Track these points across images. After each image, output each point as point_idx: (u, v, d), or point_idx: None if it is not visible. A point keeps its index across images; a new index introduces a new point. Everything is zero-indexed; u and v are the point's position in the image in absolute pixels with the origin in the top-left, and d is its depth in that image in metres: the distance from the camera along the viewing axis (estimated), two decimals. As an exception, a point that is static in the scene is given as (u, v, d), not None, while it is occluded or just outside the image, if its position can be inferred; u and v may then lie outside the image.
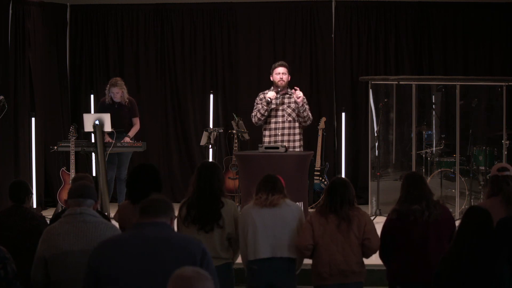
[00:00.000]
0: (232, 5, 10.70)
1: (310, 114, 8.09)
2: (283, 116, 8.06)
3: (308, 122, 8.15)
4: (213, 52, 10.71)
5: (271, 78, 8.18)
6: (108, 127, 8.60)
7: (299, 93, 7.96)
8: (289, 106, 8.06)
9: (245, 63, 10.69)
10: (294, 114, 8.05)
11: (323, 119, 10.05)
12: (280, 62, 8.22)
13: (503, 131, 8.77)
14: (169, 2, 10.73)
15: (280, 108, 8.07)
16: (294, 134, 8.06)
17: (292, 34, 10.63)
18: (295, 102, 7.99)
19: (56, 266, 4.23)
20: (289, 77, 8.17)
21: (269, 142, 8.01)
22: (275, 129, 8.07)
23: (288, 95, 8.09)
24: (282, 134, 8.04)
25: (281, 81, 8.07)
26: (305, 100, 8.05)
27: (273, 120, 8.07)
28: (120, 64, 10.71)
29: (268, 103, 7.97)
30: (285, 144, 7.92)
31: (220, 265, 5.17)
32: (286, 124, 8.06)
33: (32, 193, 5.51)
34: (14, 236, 5.19)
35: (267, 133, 8.12)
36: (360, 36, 10.55)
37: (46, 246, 4.28)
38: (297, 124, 8.08)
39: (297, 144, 8.06)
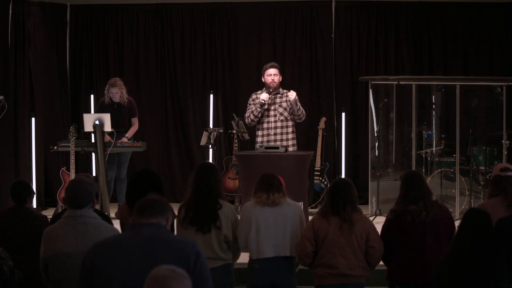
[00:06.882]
0: (232, 5, 10.70)
1: (303, 110, 8.10)
2: (275, 115, 8.07)
3: (303, 118, 8.17)
4: (213, 52, 10.70)
5: (263, 79, 8.18)
6: (108, 127, 8.60)
7: (291, 95, 7.99)
8: (280, 106, 8.07)
9: (245, 63, 10.69)
10: (286, 113, 8.06)
11: (323, 119, 10.04)
12: (270, 64, 8.22)
13: (503, 131, 8.77)
14: (169, 2, 10.72)
15: (272, 107, 8.08)
16: (287, 133, 8.07)
17: (292, 34, 10.62)
18: (288, 101, 8.01)
19: (55, 267, 4.23)
20: (281, 77, 8.18)
21: (262, 142, 8.03)
22: (268, 128, 8.08)
23: (280, 95, 8.11)
24: (275, 134, 8.05)
25: (273, 83, 8.09)
26: (296, 97, 8.07)
27: (265, 119, 8.09)
28: (120, 64, 10.71)
29: (262, 105, 7.97)
30: (278, 143, 7.94)
31: (219, 266, 5.18)
32: (279, 124, 8.07)
33: (34, 193, 5.50)
34: (17, 237, 5.18)
35: (260, 133, 8.14)
36: (360, 36, 10.54)
37: (46, 247, 4.28)
38: (290, 123, 8.09)
39: (290, 143, 8.07)
